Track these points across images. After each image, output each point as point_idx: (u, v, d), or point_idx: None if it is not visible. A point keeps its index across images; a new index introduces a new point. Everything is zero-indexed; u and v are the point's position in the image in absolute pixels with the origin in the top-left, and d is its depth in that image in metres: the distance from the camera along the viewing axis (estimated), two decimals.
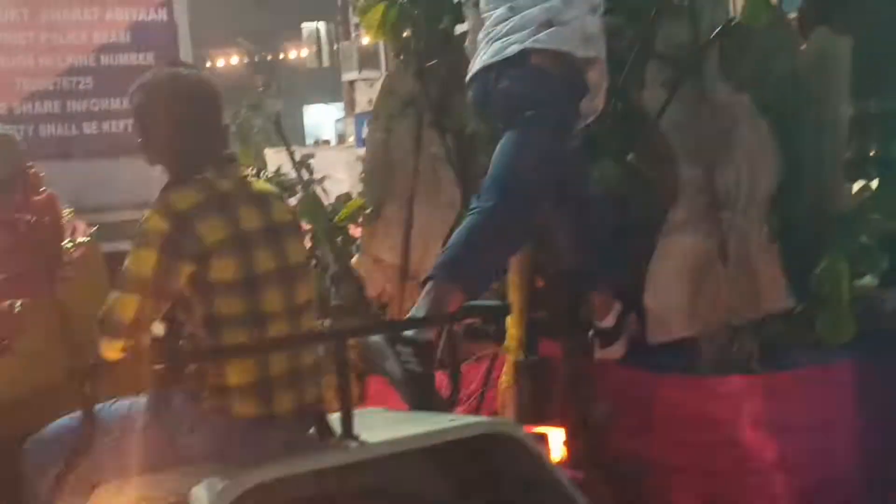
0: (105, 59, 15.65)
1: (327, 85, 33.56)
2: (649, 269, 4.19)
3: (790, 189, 4.18)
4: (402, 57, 4.92)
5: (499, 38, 4.02)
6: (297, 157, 5.28)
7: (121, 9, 16.49)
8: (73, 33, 15.69)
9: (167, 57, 16.39)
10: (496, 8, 4.10)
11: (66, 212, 4.57)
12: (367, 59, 26.92)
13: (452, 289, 3.69)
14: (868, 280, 4.32)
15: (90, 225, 4.60)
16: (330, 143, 30.69)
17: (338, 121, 33.50)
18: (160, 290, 2.97)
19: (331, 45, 30.23)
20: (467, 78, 4.15)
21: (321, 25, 31.07)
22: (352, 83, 28.76)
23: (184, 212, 2.97)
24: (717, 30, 4.31)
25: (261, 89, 5.33)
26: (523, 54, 3.95)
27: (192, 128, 3.09)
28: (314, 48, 30.92)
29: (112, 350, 2.98)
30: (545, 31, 3.97)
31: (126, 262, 3.00)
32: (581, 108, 4.08)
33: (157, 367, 2.99)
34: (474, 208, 3.91)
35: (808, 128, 4.27)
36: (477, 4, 4.23)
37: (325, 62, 31.18)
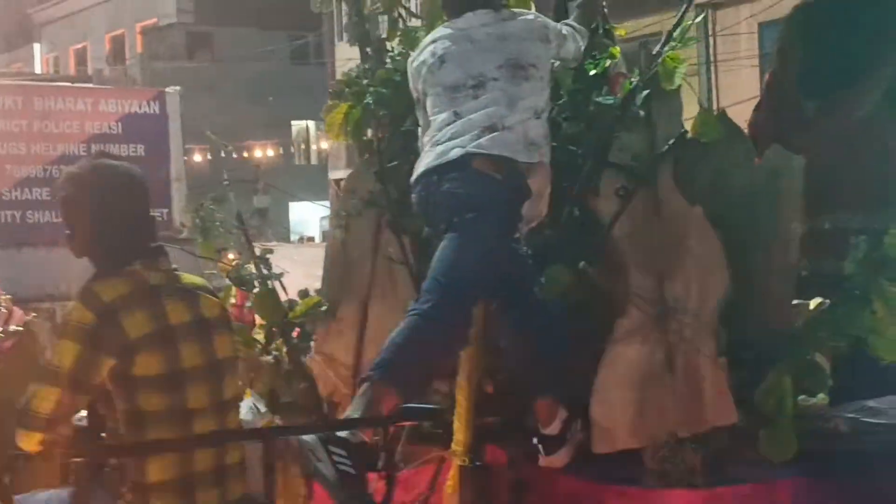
0: (96, 149, 15.83)
1: (315, 182, 33.78)
2: (596, 378, 4.18)
3: (740, 303, 4.18)
4: (365, 157, 4.94)
5: (442, 142, 4.07)
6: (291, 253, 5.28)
7: (114, 100, 16.77)
8: (66, 122, 15.94)
9: (158, 148, 16.61)
10: (441, 112, 4.14)
11: (4, 298, 4.55)
12: (354, 158, 27.14)
13: (388, 391, 3.68)
14: (821, 397, 4.30)
15: (28, 312, 4.58)
16: (314, 239, 30.84)
17: (323, 218, 33.70)
18: (81, 383, 2.95)
19: (318, 143, 30.53)
20: (412, 180, 4.18)
21: (310, 123, 31.39)
22: (338, 181, 28.98)
23: (108, 304, 2.96)
24: (671, 141, 4.35)
25: (225, 182, 5.33)
26: (465, 158, 3.99)
27: (118, 219, 3.10)
28: (302, 146, 31.21)
29: (30, 442, 2.95)
30: (488, 136, 4.01)
31: (48, 354, 2.99)
32: (524, 212, 4.09)
33: (77, 461, 2.96)
34: (413, 310, 3.91)
35: (760, 243, 4.30)
36: (425, 109, 4.28)
37: (314, 160, 31.47)
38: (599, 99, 4.56)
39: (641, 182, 4.33)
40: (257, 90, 30.32)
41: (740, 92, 21.85)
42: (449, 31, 4.28)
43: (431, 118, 4.21)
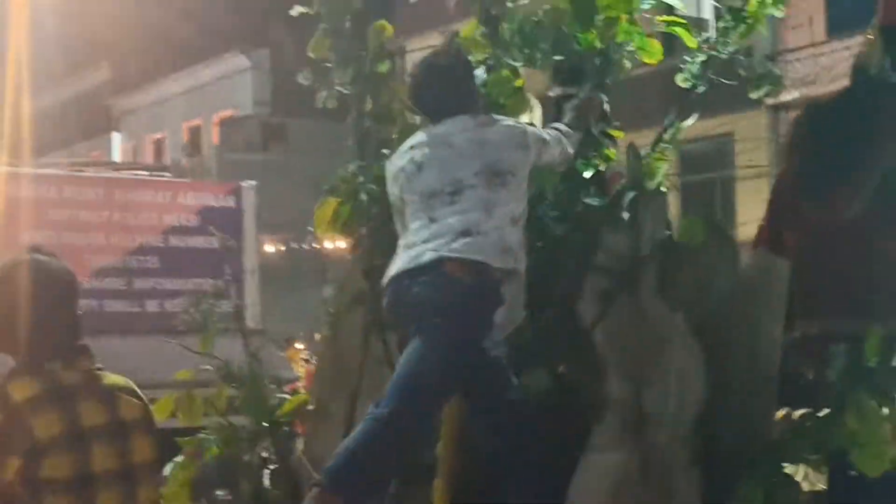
0: (173, 241, 16.15)
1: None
2: (571, 485, 4.08)
3: (718, 411, 4.07)
4: (356, 253, 4.93)
5: (416, 246, 4.03)
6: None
7: (192, 193, 17.07)
8: (145, 214, 16.25)
9: (232, 240, 16.83)
10: (418, 219, 4.11)
11: None
12: None
13: (335, 500, 3.61)
14: None
15: None
16: None
17: None
18: None
19: None
20: (383, 283, 4.14)
21: None
22: None
23: (19, 404, 2.94)
24: (655, 245, 4.28)
25: (228, 278, 5.34)
26: (437, 261, 3.94)
27: (39, 316, 3.08)
28: None
29: None
30: (462, 240, 3.96)
31: None
32: (496, 319, 4.01)
33: None
34: (370, 414, 3.85)
35: (742, 349, 4.18)
36: (403, 214, 4.24)
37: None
38: (588, 200, 4.51)
39: (624, 286, 4.26)
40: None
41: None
42: (427, 136, 4.25)
43: (408, 224, 4.18)
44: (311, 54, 5.49)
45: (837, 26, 21.94)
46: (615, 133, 4.81)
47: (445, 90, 4.26)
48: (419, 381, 3.85)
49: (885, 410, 3.87)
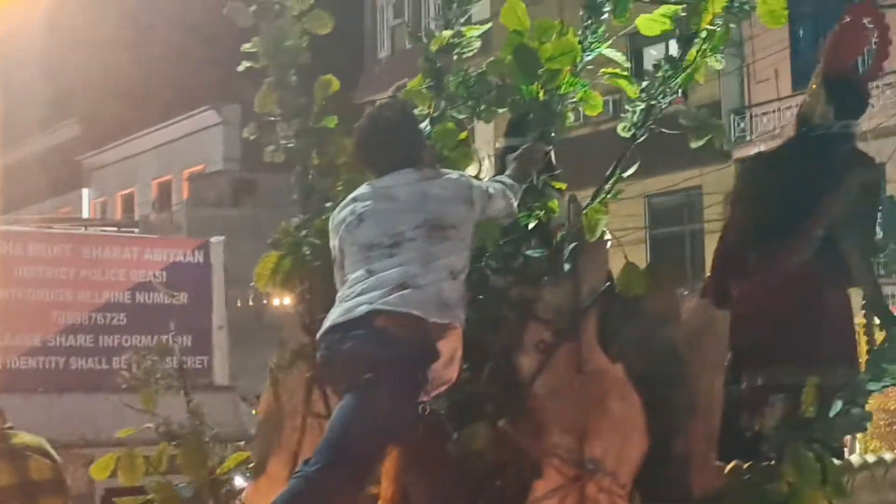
0: (140, 297, 16.02)
1: None
2: None
3: (658, 464, 4.01)
4: (297, 308, 4.88)
5: (351, 298, 3.95)
6: None
7: (160, 249, 16.99)
8: (113, 270, 16.14)
9: (201, 297, 16.73)
10: (356, 271, 4.05)
11: None
12: None
13: None
14: None
15: None
16: None
17: None
18: None
19: None
20: (317, 337, 4.07)
21: None
22: None
23: None
24: (596, 296, 4.25)
25: (171, 334, 5.28)
26: (371, 315, 3.86)
27: None
28: None
29: None
30: (398, 293, 3.89)
31: None
32: (432, 375, 3.93)
33: None
34: (299, 472, 3.77)
35: (683, 401, 4.14)
36: (343, 267, 4.19)
37: None
38: (529, 252, 4.48)
39: (565, 337, 4.21)
40: None
41: None
42: (370, 189, 4.20)
43: (347, 276, 4.12)
44: (256, 109, 5.48)
45: (803, 80, 22.08)
46: (557, 185, 4.79)
47: (389, 144, 4.22)
48: (350, 439, 3.77)
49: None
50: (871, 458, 4.40)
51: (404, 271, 3.93)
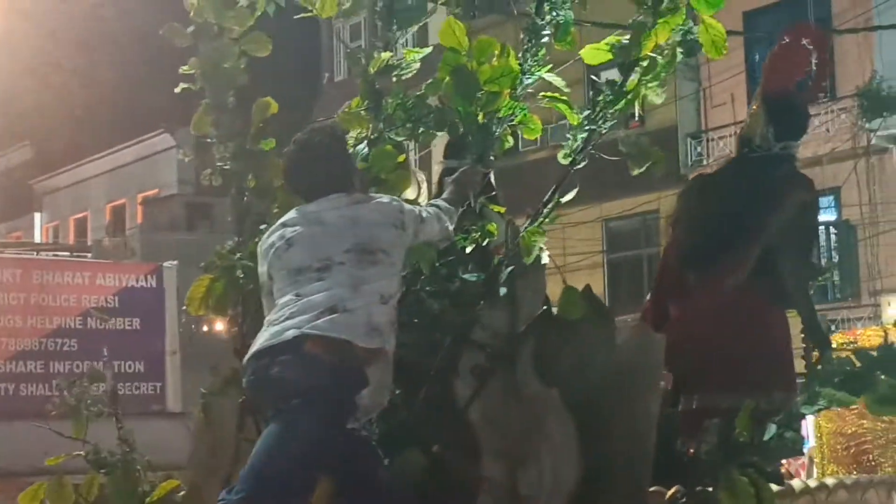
0: (92, 322, 15.79)
1: None
2: None
3: (595, 488, 3.94)
4: (232, 332, 4.78)
5: (279, 323, 3.86)
6: None
7: (112, 274, 16.79)
8: (64, 295, 15.93)
9: (154, 322, 16.55)
10: (284, 295, 3.95)
11: None
12: None
13: None
14: None
15: None
16: None
17: None
18: None
19: None
20: (244, 362, 3.97)
21: None
22: None
23: None
24: (532, 320, 4.18)
25: (104, 360, 5.16)
26: (299, 339, 3.77)
27: None
28: None
29: None
30: (326, 317, 3.79)
31: None
32: (361, 400, 3.83)
33: None
34: (221, 500, 3.67)
35: (619, 425, 4.07)
36: (272, 293, 4.10)
37: None
38: (466, 276, 4.41)
39: (501, 362, 4.14)
40: None
41: None
42: (299, 214, 4.11)
43: (276, 302, 4.02)
44: (192, 131, 5.40)
45: None
46: (496, 208, 4.73)
47: (318, 169, 4.13)
48: (276, 465, 3.67)
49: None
50: (812, 483, 4.35)
51: (333, 295, 3.85)
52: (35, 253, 23.06)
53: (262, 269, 4.12)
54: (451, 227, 4.29)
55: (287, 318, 3.84)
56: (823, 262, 20.97)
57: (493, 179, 4.90)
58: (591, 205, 22.84)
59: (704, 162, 22.57)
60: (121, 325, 14.96)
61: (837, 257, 20.52)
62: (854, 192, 20.22)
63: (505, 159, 5.05)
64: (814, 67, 4.64)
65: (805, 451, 18.99)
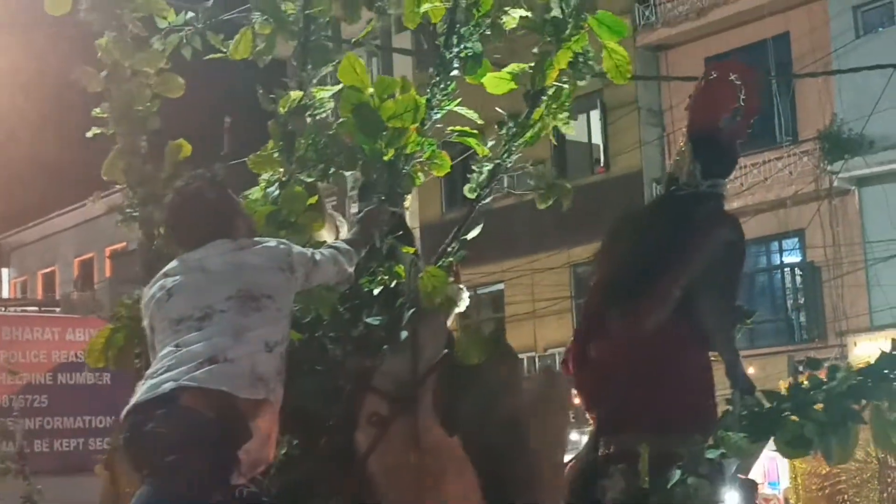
0: (62, 378, 15.58)
1: None
2: None
3: None
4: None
5: (157, 376, 3.65)
6: None
7: (81, 328, 16.56)
8: (34, 351, 15.72)
9: (124, 375, 16.32)
10: (164, 347, 3.76)
11: None
12: None
13: None
14: None
15: None
16: None
17: None
18: None
19: None
20: (120, 418, 3.77)
21: None
22: None
23: None
24: (434, 364, 4.03)
25: (14, 415, 4.99)
26: (176, 392, 3.56)
27: None
28: None
29: None
30: (206, 368, 3.59)
31: None
32: (245, 456, 3.60)
33: None
34: None
35: (524, 474, 3.92)
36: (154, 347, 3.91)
37: None
38: (369, 319, 4.26)
39: (401, 410, 3.99)
40: None
41: None
42: (181, 263, 3.94)
43: (158, 354, 3.81)
44: (103, 176, 5.25)
45: None
46: (406, 249, 4.58)
47: (199, 217, 3.95)
48: None
49: None
50: None
51: (213, 344, 3.65)
52: (3, 309, 22.84)
53: (145, 322, 3.94)
54: (349, 269, 4.12)
55: (165, 371, 3.64)
56: (790, 304, 21.13)
57: (406, 219, 4.78)
58: (559, 250, 22.89)
59: None
60: (91, 379, 14.76)
61: (803, 299, 20.49)
62: (818, 234, 20.24)
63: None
64: (741, 104, 4.51)
65: (779, 493, 18.92)
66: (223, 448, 3.55)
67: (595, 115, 23.63)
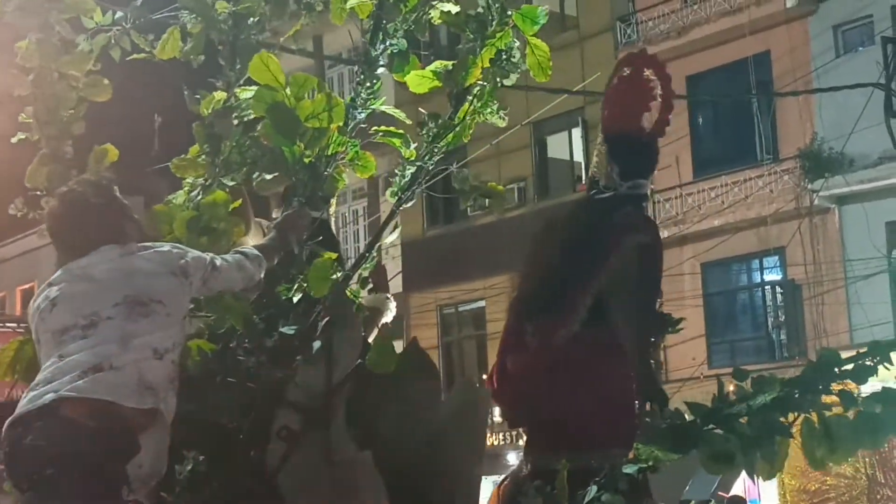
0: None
1: None
2: None
3: None
4: None
5: (38, 387, 3.46)
6: None
7: None
8: None
9: None
10: (48, 358, 3.56)
11: None
12: None
13: None
14: None
15: None
16: None
17: None
18: None
19: None
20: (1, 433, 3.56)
21: None
22: None
23: None
24: (348, 375, 3.85)
25: None
26: (56, 403, 3.36)
27: None
28: None
29: None
30: (89, 377, 3.40)
31: None
32: (134, 470, 3.42)
33: None
34: None
35: (440, 488, 3.74)
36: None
37: None
38: (284, 329, 4.06)
39: (313, 423, 3.80)
40: None
41: (685, 330, 21.54)
42: (66, 272, 3.74)
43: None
44: (27, 183, 5.06)
45: (704, 167, 22.21)
46: (328, 255, 4.38)
47: (84, 223, 3.76)
48: None
49: None
50: None
51: (97, 352, 3.46)
52: None
53: (33, 335, 3.75)
54: (258, 276, 3.92)
55: (46, 382, 3.43)
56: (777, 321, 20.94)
57: (332, 223, 4.60)
58: None
59: None
60: None
61: (783, 317, 20.34)
62: (798, 252, 20.10)
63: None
64: (658, 100, 4.31)
65: None
66: (107, 461, 3.35)
67: (577, 132, 23.50)
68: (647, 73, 4.31)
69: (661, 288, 4.32)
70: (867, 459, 16.98)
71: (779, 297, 20.85)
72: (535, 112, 17.66)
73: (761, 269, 21.46)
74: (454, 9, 4.29)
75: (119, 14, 5.08)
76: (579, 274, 4.10)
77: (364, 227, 25.70)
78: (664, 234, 21.74)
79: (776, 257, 20.70)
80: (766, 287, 21.33)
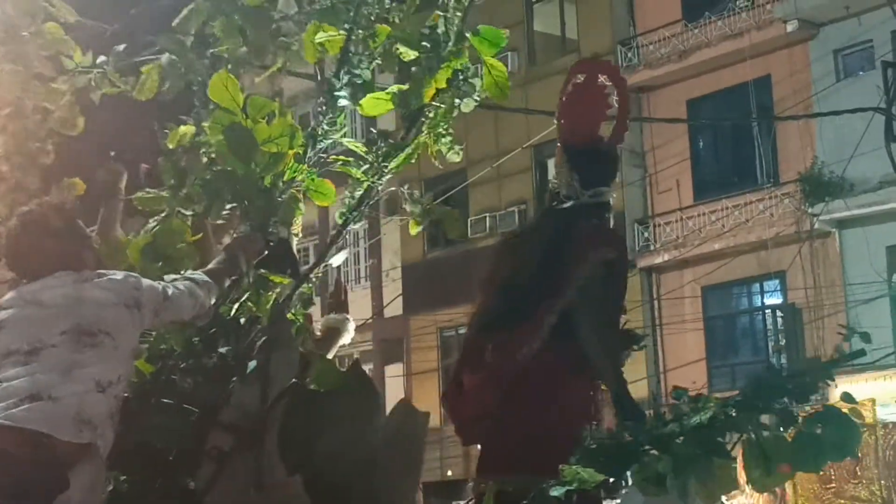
0: None
1: None
2: None
3: None
4: None
5: None
6: None
7: None
8: None
9: None
10: None
11: None
12: None
13: None
14: None
15: None
16: None
17: None
18: None
19: None
20: None
21: None
22: None
23: None
24: (282, 395, 3.77)
25: None
26: None
27: None
28: None
29: None
30: (25, 406, 3.29)
31: None
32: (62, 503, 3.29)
33: None
34: None
35: None
36: None
37: None
38: (223, 349, 3.99)
39: (244, 445, 3.71)
40: None
41: (685, 354, 21.56)
42: (17, 295, 3.64)
43: None
44: None
45: (704, 190, 22.17)
46: (278, 279, 4.28)
47: (38, 247, 3.66)
48: None
49: None
50: None
51: (37, 381, 3.35)
52: None
53: None
54: (208, 303, 3.83)
55: None
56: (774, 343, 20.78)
57: (293, 248, 4.52)
58: None
59: (651, 247, 22.39)
60: None
61: (784, 341, 20.22)
62: (799, 276, 20.01)
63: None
64: (615, 106, 4.23)
65: None
66: (33, 495, 3.25)
67: None
68: (602, 79, 4.24)
69: (624, 303, 4.23)
70: (882, 482, 16.80)
71: (779, 320, 20.77)
72: (536, 135, 17.62)
73: (762, 293, 21.38)
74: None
75: (102, 58, 5.00)
76: (544, 291, 4.02)
77: (365, 249, 25.67)
78: (664, 257, 21.89)
79: (777, 281, 20.62)
80: (767, 311, 21.25)
